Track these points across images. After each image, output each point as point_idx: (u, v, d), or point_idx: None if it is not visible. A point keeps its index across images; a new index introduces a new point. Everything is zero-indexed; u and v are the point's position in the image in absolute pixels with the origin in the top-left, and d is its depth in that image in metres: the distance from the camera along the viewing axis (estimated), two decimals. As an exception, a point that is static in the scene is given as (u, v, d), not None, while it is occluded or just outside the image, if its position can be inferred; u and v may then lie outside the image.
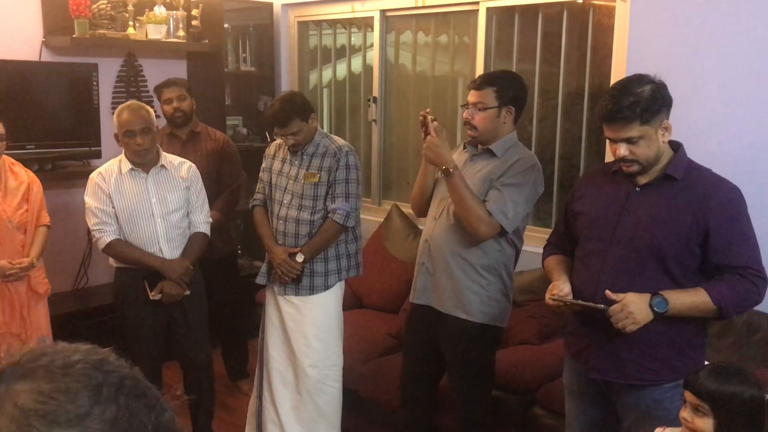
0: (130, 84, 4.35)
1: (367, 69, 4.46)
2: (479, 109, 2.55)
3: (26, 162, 3.53)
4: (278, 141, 3.20)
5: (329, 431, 3.19)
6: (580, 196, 2.26)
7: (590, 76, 3.43)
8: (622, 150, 2.02)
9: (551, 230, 2.51)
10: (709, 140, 2.90)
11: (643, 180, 2.09)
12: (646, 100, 1.98)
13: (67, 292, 4.24)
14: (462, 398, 2.70)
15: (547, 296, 2.15)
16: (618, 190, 2.13)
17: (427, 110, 2.58)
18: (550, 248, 2.39)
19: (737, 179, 2.80)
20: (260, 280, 3.16)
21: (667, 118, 2.05)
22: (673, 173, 2.05)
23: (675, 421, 1.85)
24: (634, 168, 2.05)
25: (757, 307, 2.70)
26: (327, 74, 4.81)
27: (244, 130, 4.89)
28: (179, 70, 4.54)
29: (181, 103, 3.64)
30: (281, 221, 3.06)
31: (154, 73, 4.34)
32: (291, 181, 3.06)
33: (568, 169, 3.60)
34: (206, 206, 3.17)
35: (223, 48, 4.54)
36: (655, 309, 1.97)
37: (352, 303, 3.65)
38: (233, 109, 4.84)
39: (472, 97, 2.57)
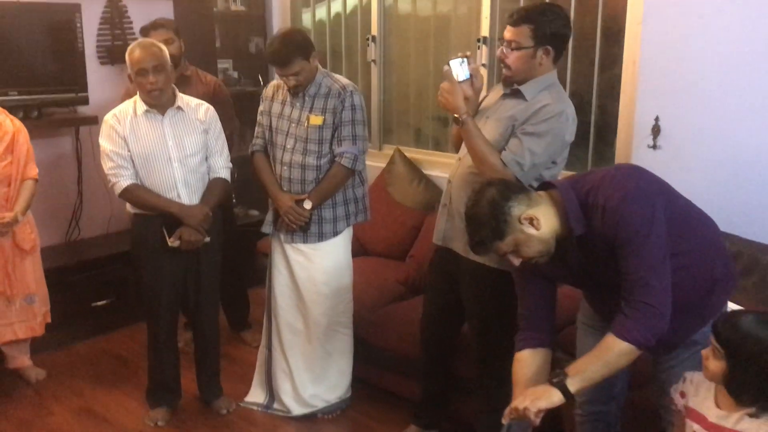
0: (115, 26, 4.13)
1: (365, 6, 4.26)
2: (513, 49, 2.39)
3: (10, 110, 3.37)
4: (276, 82, 3.05)
5: (340, 378, 3.15)
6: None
7: (603, 14, 3.27)
8: (515, 262, 1.94)
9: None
10: (732, 87, 2.79)
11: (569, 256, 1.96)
12: (487, 226, 1.89)
13: (59, 245, 4.11)
14: (479, 343, 2.64)
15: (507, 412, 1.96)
16: (562, 268, 2.02)
17: (467, 53, 2.45)
18: (523, 335, 2.12)
19: (757, 116, 2.74)
20: (266, 229, 3.05)
21: (522, 206, 1.89)
22: (579, 232, 1.89)
23: None
24: (542, 259, 1.93)
25: (784, 246, 2.66)
26: (321, 12, 4.60)
27: (235, 74, 4.70)
28: (165, 10, 4.30)
29: (169, 46, 3.43)
30: (286, 167, 2.93)
31: (140, 13, 4.12)
32: (293, 125, 2.92)
33: (582, 105, 3.46)
34: (226, 150, 3.04)
35: (212, -14, 4.33)
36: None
37: (356, 250, 3.54)
38: (223, 52, 4.64)
39: (508, 33, 2.40)
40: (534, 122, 2.37)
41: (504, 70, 2.46)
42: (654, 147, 3.04)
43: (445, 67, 2.44)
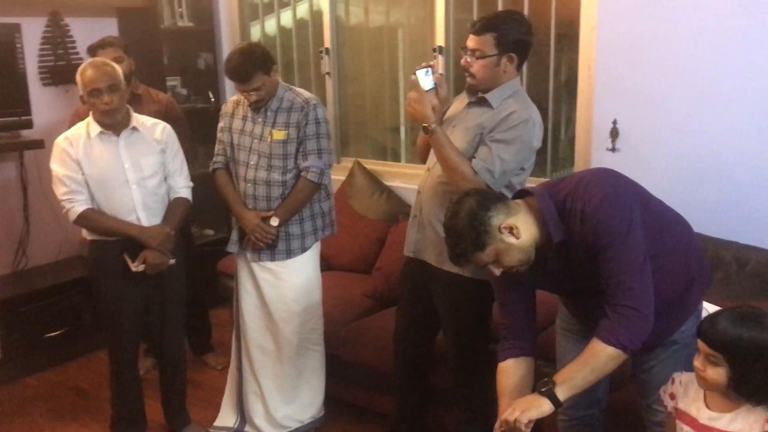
0: (57, 46, 3.98)
1: (315, 17, 4.23)
2: (477, 57, 2.39)
3: (-50, 136, 3.20)
4: (236, 97, 2.98)
5: (313, 397, 3.09)
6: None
7: (557, 20, 3.31)
8: (496, 272, 1.93)
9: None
10: (687, 89, 2.85)
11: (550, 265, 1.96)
12: (467, 237, 1.86)
13: (6, 276, 3.92)
14: (456, 354, 2.62)
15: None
16: (542, 275, 2.01)
17: (431, 63, 2.44)
18: (506, 344, 2.09)
19: (713, 115, 2.81)
20: (231, 248, 2.96)
21: (501, 216, 1.87)
22: (558, 239, 1.89)
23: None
24: (523, 268, 1.93)
25: (745, 240, 2.73)
26: (270, 25, 4.54)
27: (184, 91, 4.59)
28: (110, 28, 4.18)
29: (119, 65, 3.33)
30: (250, 184, 2.86)
31: (83, 33, 3.99)
32: (256, 141, 2.86)
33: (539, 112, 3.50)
34: (185, 169, 2.94)
35: (157, 3, 4.21)
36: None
37: (320, 265, 3.49)
38: (170, 69, 4.52)
39: (471, 42, 2.40)
40: (502, 129, 2.37)
41: (468, 79, 2.46)
42: (613, 150, 3.09)
43: (413, 77, 2.42)
